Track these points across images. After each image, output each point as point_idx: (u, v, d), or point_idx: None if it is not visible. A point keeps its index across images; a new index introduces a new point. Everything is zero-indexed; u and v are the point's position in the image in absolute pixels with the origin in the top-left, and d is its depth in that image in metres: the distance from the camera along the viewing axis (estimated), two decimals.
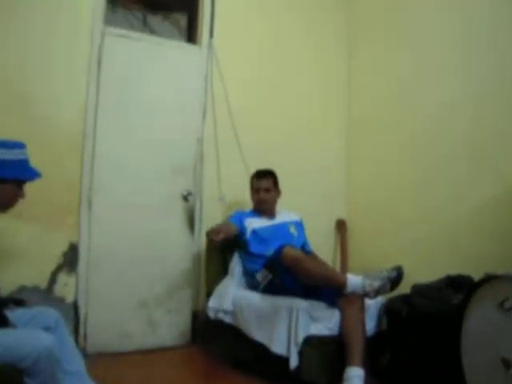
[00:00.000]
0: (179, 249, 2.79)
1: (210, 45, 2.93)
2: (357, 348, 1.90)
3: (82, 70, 2.56)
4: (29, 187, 1.65)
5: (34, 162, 1.64)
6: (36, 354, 1.30)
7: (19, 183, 1.58)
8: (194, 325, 2.79)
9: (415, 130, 2.77)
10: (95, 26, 2.60)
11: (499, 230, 2.21)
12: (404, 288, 2.11)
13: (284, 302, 2.10)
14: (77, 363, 1.60)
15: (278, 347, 2.02)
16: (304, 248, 2.59)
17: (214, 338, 2.56)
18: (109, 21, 2.72)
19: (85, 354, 1.84)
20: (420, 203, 2.70)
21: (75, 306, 2.49)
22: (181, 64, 2.87)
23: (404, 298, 2.12)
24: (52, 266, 2.44)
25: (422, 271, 2.30)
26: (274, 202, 2.65)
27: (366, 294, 2.02)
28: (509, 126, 2.24)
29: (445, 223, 2.52)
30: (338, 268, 3.10)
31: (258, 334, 2.14)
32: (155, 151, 2.74)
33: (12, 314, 1.50)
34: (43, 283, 2.40)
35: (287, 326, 2.01)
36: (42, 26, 2.45)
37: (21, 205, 1.67)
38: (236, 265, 2.52)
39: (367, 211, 3.12)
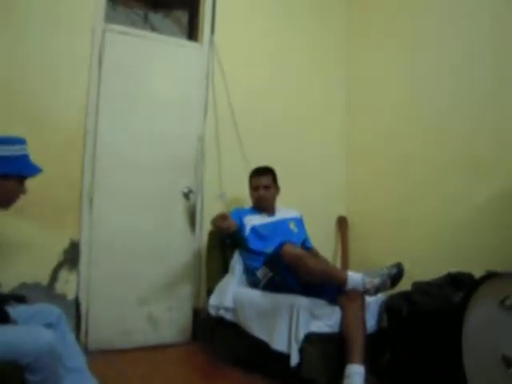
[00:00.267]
0: (180, 246, 2.79)
1: (211, 42, 2.93)
2: (357, 345, 1.90)
3: (84, 67, 2.56)
4: (30, 185, 1.65)
5: (36, 160, 1.64)
6: (37, 350, 1.30)
7: (21, 179, 1.59)
8: (195, 322, 2.79)
9: (416, 128, 2.77)
10: (96, 24, 2.60)
11: (500, 226, 2.20)
12: (404, 285, 2.11)
13: (284, 299, 2.11)
14: (78, 360, 1.61)
15: (278, 344, 2.02)
16: (304, 244, 2.59)
17: (215, 335, 2.56)
18: (110, 18, 2.72)
19: (86, 351, 1.84)
20: (421, 200, 2.70)
21: (76, 303, 2.50)
22: (182, 61, 2.87)
23: (404, 296, 2.11)
24: (53, 263, 2.45)
25: (422, 268, 2.30)
26: (273, 199, 2.65)
27: (366, 291, 2.02)
28: (506, 126, 2.24)
29: (446, 220, 2.51)
30: (338, 265, 3.11)
31: (258, 332, 2.15)
32: (156, 148, 2.74)
33: (13, 310, 1.50)
34: (44, 280, 2.41)
35: (288, 324, 2.01)
36: (43, 23, 2.45)
37: (22, 202, 1.67)
38: (236, 262, 2.53)
39: (368, 208, 3.12)
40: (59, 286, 2.45)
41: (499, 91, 2.28)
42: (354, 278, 2.03)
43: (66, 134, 2.49)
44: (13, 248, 2.28)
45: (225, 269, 2.57)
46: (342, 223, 3.25)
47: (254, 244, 2.47)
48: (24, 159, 1.58)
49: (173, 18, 3.13)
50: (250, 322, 2.21)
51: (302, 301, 2.05)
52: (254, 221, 2.53)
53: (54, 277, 2.44)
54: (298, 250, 2.14)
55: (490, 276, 1.63)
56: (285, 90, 3.14)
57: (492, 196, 2.27)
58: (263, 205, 2.60)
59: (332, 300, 2.09)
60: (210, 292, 2.50)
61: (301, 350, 1.97)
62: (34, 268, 2.38)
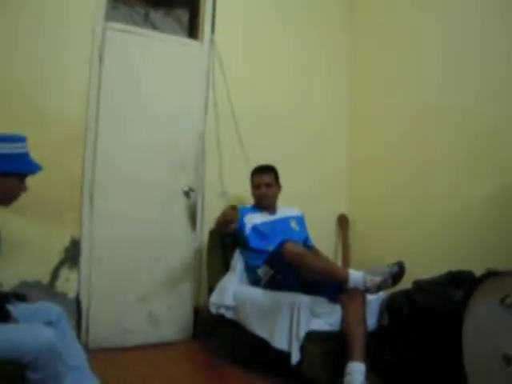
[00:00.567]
0: (181, 244, 2.79)
1: (211, 40, 2.92)
2: (358, 343, 1.90)
3: (84, 65, 2.56)
4: (31, 183, 1.65)
5: (36, 158, 1.64)
6: (38, 348, 1.30)
7: (21, 177, 1.59)
8: (196, 320, 2.79)
9: (416, 123, 2.76)
10: (97, 22, 2.59)
11: (501, 225, 2.20)
12: (405, 283, 2.11)
13: (285, 297, 2.11)
14: (79, 358, 1.61)
15: (279, 342, 2.02)
16: (305, 243, 2.59)
17: (215, 333, 2.57)
18: (110, 17, 2.71)
19: (86, 349, 1.84)
20: (422, 199, 2.69)
21: (77, 302, 2.50)
22: (182, 59, 2.86)
23: (405, 294, 2.11)
24: (54, 262, 2.45)
25: (423, 267, 2.30)
26: (275, 197, 2.65)
27: (367, 290, 2.02)
28: (507, 122, 2.24)
29: (447, 219, 2.51)
30: (339, 263, 3.11)
31: (259, 330, 2.15)
32: (157, 147, 2.74)
33: (14, 308, 1.51)
34: (45, 278, 2.42)
35: (289, 322, 2.02)
36: (44, 22, 2.45)
37: (23, 200, 1.67)
38: (237, 260, 2.53)
39: (369, 206, 3.12)
40: (60, 285, 2.46)
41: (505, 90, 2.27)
42: (355, 276, 2.03)
43: (67, 132, 2.49)
44: (13, 246, 2.28)
45: (226, 267, 2.57)
46: (342, 221, 3.25)
47: (255, 243, 2.47)
48: (24, 157, 1.59)
49: (173, 17, 3.13)
50: (251, 320, 2.21)
51: (302, 299, 2.05)
52: (255, 219, 2.53)
53: (55, 275, 2.44)
54: (299, 248, 2.14)
55: (490, 274, 1.63)
56: (285, 88, 3.13)
57: (493, 194, 2.27)
58: (265, 203, 2.60)
59: (333, 298, 2.09)
60: (210, 290, 2.51)
61: (301, 348, 1.97)
62: (34, 266, 2.38)
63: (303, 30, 3.22)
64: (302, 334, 1.97)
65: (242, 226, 2.50)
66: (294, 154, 3.11)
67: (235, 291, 2.37)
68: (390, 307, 2.15)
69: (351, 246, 3.16)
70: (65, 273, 2.47)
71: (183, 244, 2.80)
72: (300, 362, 1.96)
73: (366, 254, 3.00)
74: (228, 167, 2.93)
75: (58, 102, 2.47)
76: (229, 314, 2.35)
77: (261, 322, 2.16)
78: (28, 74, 2.41)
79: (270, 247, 2.32)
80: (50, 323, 1.54)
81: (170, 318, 2.73)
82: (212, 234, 2.68)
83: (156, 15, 3.08)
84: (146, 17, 3.06)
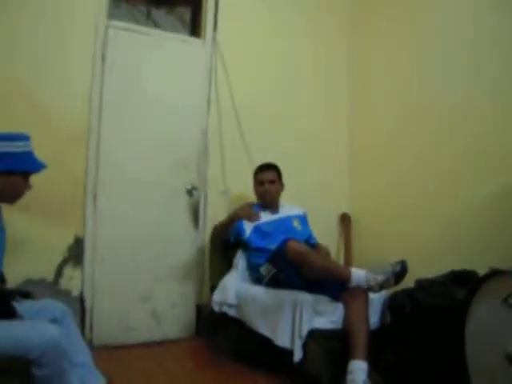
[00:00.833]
0: (184, 243, 2.80)
1: (213, 38, 2.92)
2: (360, 341, 1.91)
3: (87, 64, 2.56)
4: (35, 182, 1.66)
5: (40, 157, 1.64)
6: (44, 345, 1.31)
7: (26, 175, 1.59)
8: (198, 318, 2.81)
9: (422, 124, 2.75)
10: (99, 20, 2.60)
11: (505, 224, 2.20)
12: (408, 282, 2.11)
13: (288, 295, 2.11)
14: (84, 355, 1.62)
15: (281, 340, 2.03)
16: (308, 241, 2.60)
17: (218, 331, 2.57)
18: (113, 15, 2.72)
19: (91, 347, 1.85)
20: (424, 198, 2.69)
21: (81, 299, 2.51)
22: (185, 57, 2.86)
23: (408, 293, 2.11)
24: (58, 260, 2.46)
25: (426, 266, 2.30)
26: (277, 195, 2.65)
27: (369, 288, 2.03)
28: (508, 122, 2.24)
29: (449, 218, 2.51)
30: (341, 262, 3.11)
31: (261, 328, 2.15)
32: (159, 145, 2.75)
33: (19, 306, 1.51)
34: (49, 276, 2.43)
35: (291, 320, 2.02)
36: (46, 21, 2.46)
37: (27, 199, 1.68)
38: (240, 258, 2.53)
39: (371, 205, 3.12)
40: (64, 283, 2.47)
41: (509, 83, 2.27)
42: (358, 274, 2.03)
43: (70, 130, 2.50)
44: (18, 244, 2.29)
45: (228, 265, 2.58)
46: (344, 220, 3.25)
47: (257, 242, 2.47)
48: (28, 155, 1.59)
49: (175, 15, 3.13)
50: (254, 319, 2.21)
51: (305, 297, 2.05)
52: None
53: (59, 273, 2.46)
54: (302, 247, 2.15)
55: (493, 274, 1.63)
56: (287, 86, 3.13)
57: (497, 194, 2.26)
58: (267, 200, 2.61)
59: (335, 297, 2.10)
60: (213, 288, 2.52)
61: (304, 346, 1.98)
62: (38, 264, 2.39)
63: (305, 27, 3.21)
64: (305, 332, 1.98)
65: (240, 230, 2.50)
66: (296, 152, 3.11)
67: (237, 289, 2.38)
68: (392, 306, 2.16)
69: (353, 245, 3.16)
70: (69, 271, 2.48)
71: (186, 242, 2.81)
72: (302, 360, 1.96)
73: (368, 253, 3.00)
74: (230, 165, 2.93)
75: (61, 101, 2.48)
76: (231, 312, 2.36)
77: (263, 320, 2.16)
78: (30, 74, 2.41)
79: (272, 246, 2.32)
80: (54, 320, 1.55)
81: (173, 316, 2.74)
82: (215, 230, 2.69)
83: (158, 13, 3.08)
84: (148, 15, 3.06)
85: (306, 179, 3.11)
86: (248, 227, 2.51)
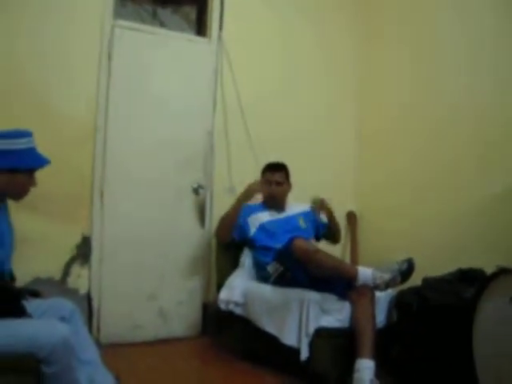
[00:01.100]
0: (190, 241, 2.81)
1: (219, 38, 2.92)
2: (367, 340, 1.91)
3: (93, 63, 2.57)
4: (42, 180, 1.66)
5: (47, 155, 1.64)
6: (53, 343, 1.33)
7: (30, 172, 1.60)
8: (205, 316, 2.81)
9: (429, 122, 2.74)
10: (105, 20, 2.60)
11: None
12: (415, 281, 2.10)
13: (295, 294, 2.12)
14: (92, 353, 1.63)
15: (288, 339, 2.03)
16: (318, 232, 2.68)
17: (225, 329, 2.58)
18: (119, 14, 2.73)
19: (98, 345, 1.86)
20: (431, 196, 2.68)
21: (88, 298, 2.53)
22: (191, 57, 2.87)
23: (414, 291, 2.11)
24: (66, 258, 2.48)
25: (433, 264, 2.29)
26: (284, 196, 2.64)
27: (376, 287, 2.02)
28: None
29: (456, 216, 2.50)
30: (348, 260, 3.10)
31: (268, 326, 2.16)
32: (166, 144, 2.75)
33: (28, 304, 1.52)
34: (57, 275, 2.45)
35: (298, 318, 2.03)
36: (52, 20, 2.46)
37: (34, 198, 1.70)
38: (246, 257, 2.54)
39: (377, 203, 3.11)
40: (71, 281, 2.49)
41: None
42: (365, 273, 2.03)
43: (77, 129, 2.51)
44: (26, 243, 2.30)
45: (235, 263, 2.59)
46: (351, 218, 3.24)
47: (262, 241, 2.47)
48: (32, 152, 1.59)
49: (181, 14, 3.13)
50: (260, 317, 2.22)
51: (312, 296, 2.05)
52: (262, 218, 2.53)
53: (67, 272, 2.47)
54: (309, 245, 2.15)
55: (501, 272, 1.63)
56: (294, 85, 3.12)
57: (504, 191, 2.25)
58: (273, 202, 2.59)
59: (342, 295, 2.10)
60: (219, 286, 2.52)
61: (311, 345, 1.98)
62: (46, 263, 2.41)
63: (312, 27, 3.20)
64: (311, 330, 1.98)
65: (245, 228, 2.50)
66: (303, 150, 3.09)
67: (244, 288, 2.39)
68: (399, 304, 2.15)
69: (360, 243, 3.16)
70: (76, 269, 2.50)
71: (192, 241, 2.82)
72: (309, 359, 1.97)
73: (375, 251, 2.99)
74: (236, 163, 2.93)
75: (67, 100, 2.49)
76: (238, 311, 2.37)
77: (270, 318, 2.17)
78: (37, 74, 2.42)
79: (278, 245, 2.32)
80: (63, 319, 1.56)
81: (179, 314, 2.76)
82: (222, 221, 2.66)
83: (164, 12, 3.09)
84: (154, 14, 3.06)
85: (313, 177, 3.09)
86: (253, 225, 2.51)
